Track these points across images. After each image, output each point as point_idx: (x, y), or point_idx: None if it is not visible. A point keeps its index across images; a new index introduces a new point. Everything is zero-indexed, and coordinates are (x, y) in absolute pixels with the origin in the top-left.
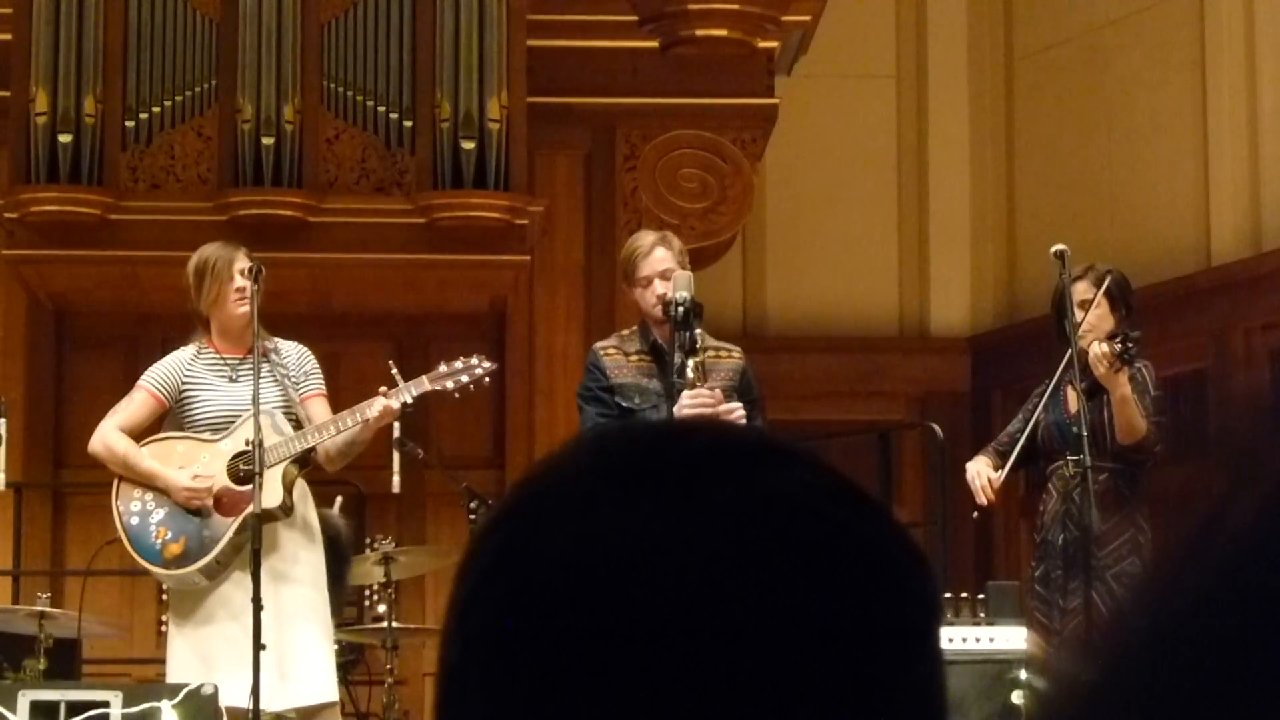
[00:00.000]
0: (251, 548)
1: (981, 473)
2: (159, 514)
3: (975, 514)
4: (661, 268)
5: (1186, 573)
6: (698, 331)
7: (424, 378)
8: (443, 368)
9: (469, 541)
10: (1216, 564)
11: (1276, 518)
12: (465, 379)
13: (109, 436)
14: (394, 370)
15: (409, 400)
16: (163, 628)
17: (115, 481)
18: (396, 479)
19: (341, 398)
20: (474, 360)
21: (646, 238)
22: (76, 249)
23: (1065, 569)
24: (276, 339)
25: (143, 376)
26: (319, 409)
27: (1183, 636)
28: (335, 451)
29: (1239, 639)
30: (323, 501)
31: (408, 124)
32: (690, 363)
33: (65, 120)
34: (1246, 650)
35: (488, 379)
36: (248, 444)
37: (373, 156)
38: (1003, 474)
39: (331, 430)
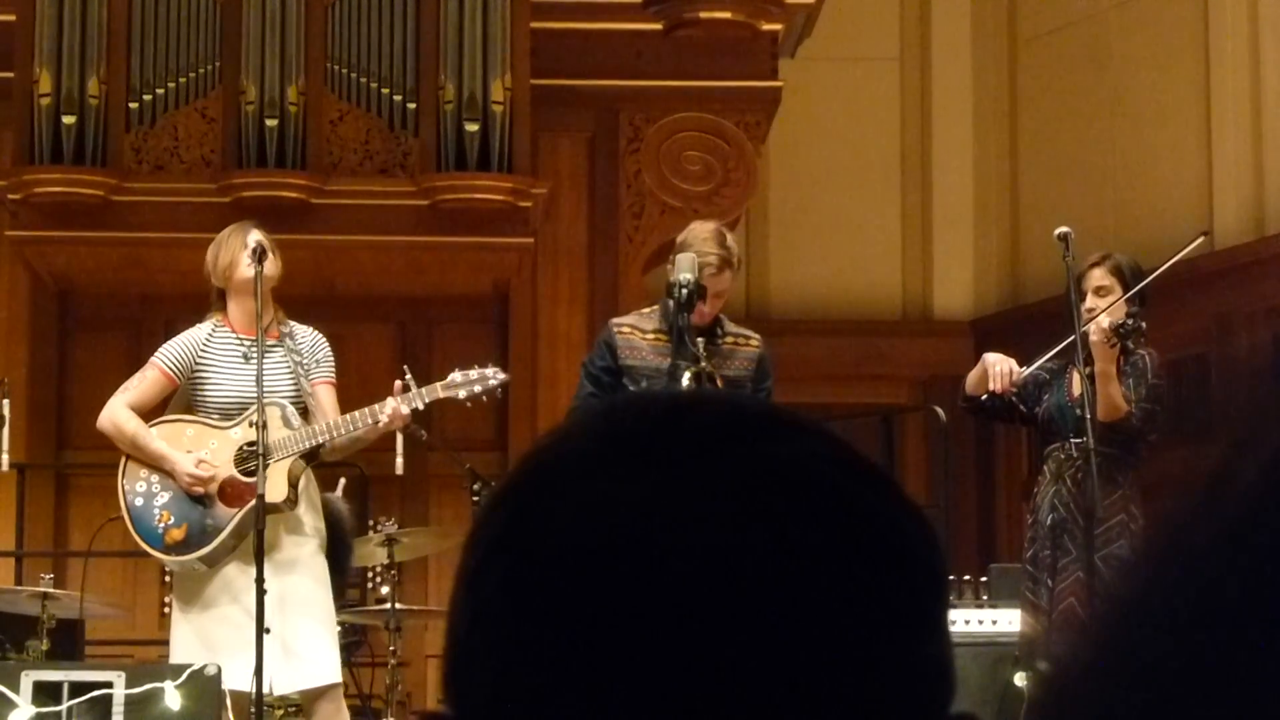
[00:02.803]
0: (255, 529)
1: (1006, 359)
2: (163, 497)
3: (984, 396)
4: (718, 288)
5: (1190, 536)
6: (720, 316)
7: (437, 385)
8: (456, 376)
9: (478, 511)
10: (1220, 527)
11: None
12: (479, 389)
13: (118, 415)
14: (407, 375)
15: (420, 407)
16: (165, 609)
17: (123, 459)
18: (400, 460)
19: (344, 380)
20: (488, 371)
21: (715, 255)
22: (80, 230)
23: (1054, 549)
24: (292, 323)
25: (156, 353)
26: (325, 396)
27: (1186, 600)
28: (339, 446)
29: (1243, 601)
30: (325, 484)
31: (411, 106)
32: (701, 343)
33: (69, 101)
34: (1251, 612)
35: (500, 390)
36: (252, 425)
37: (376, 138)
38: (1024, 373)
39: (341, 429)
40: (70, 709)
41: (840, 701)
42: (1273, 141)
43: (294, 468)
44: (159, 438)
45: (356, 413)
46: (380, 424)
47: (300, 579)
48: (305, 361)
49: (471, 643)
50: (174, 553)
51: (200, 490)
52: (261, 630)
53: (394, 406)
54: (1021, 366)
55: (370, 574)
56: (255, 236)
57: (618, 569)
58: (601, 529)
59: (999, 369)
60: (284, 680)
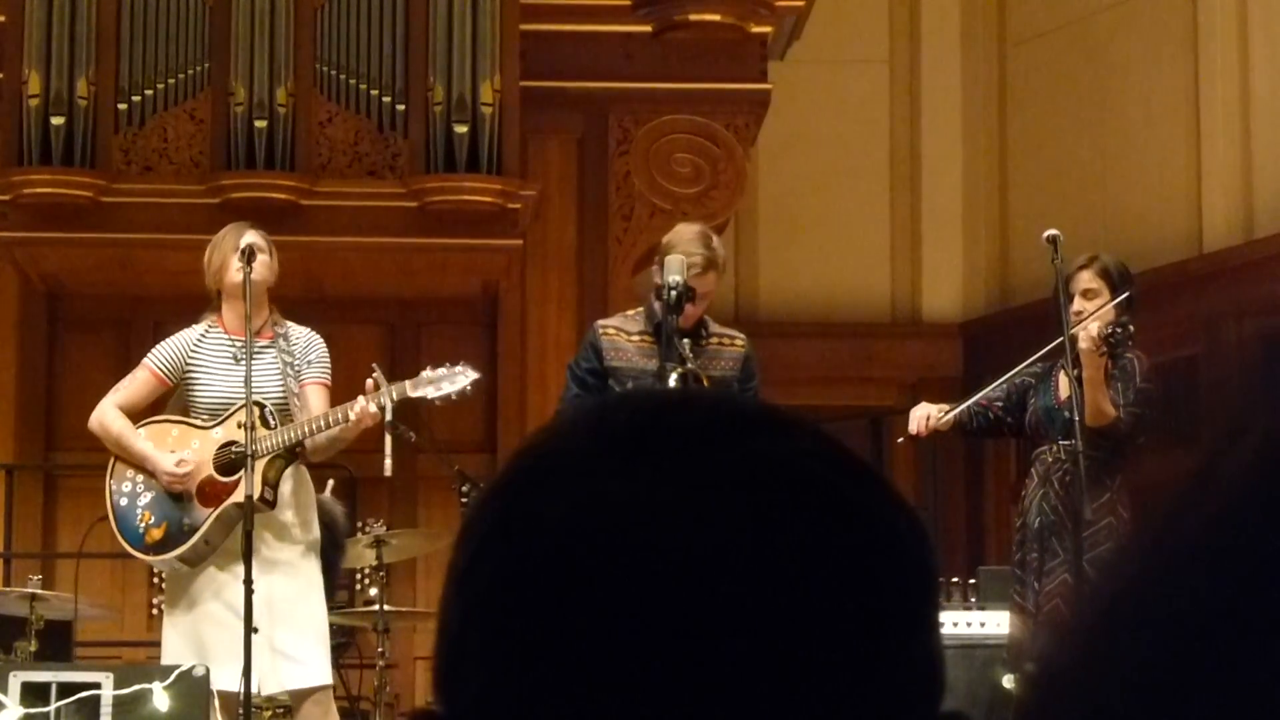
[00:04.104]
0: (244, 530)
1: (927, 406)
2: (146, 497)
3: (900, 439)
4: (703, 289)
5: (1176, 529)
6: (705, 317)
7: (406, 383)
8: (426, 373)
9: (469, 509)
10: (1206, 519)
11: (1268, 466)
12: (447, 387)
13: (106, 415)
14: (376, 373)
15: (387, 404)
16: (154, 610)
17: (111, 460)
18: (388, 462)
19: (333, 381)
20: (458, 368)
21: (700, 256)
22: (69, 231)
23: (1041, 552)
24: (289, 323)
25: (148, 354)
26: (313, 396)
27: (1174, 594)
28: (319, 446)
29: (1232, 594)
30: (315, 485)
31: (400, 107)
32: (687, 345)
33: (58, 102)
34: (1240, 605)
35: (470, 388)
36: (239, 426)
37: (365, 140)
38: (944, 418)
39: (314, 427)
40: (58, 710)
41: (831, 698)
42: (1262, 144)
43: (269, 467)
44: (145, 438)
45: (329, 411)
46: (350, 421)
47: (287, 580)
48: (296, 363)
49: (462, 641)
50: (154, 552)
51: (180, 488)
52: (250, 631)
53: (362, 405)
54: (946, 406)
55: (359, 575)
56: (248, 239)
57: (609, 566)
58: (593, 526)
59: (917, 414)
60: (272, 681)
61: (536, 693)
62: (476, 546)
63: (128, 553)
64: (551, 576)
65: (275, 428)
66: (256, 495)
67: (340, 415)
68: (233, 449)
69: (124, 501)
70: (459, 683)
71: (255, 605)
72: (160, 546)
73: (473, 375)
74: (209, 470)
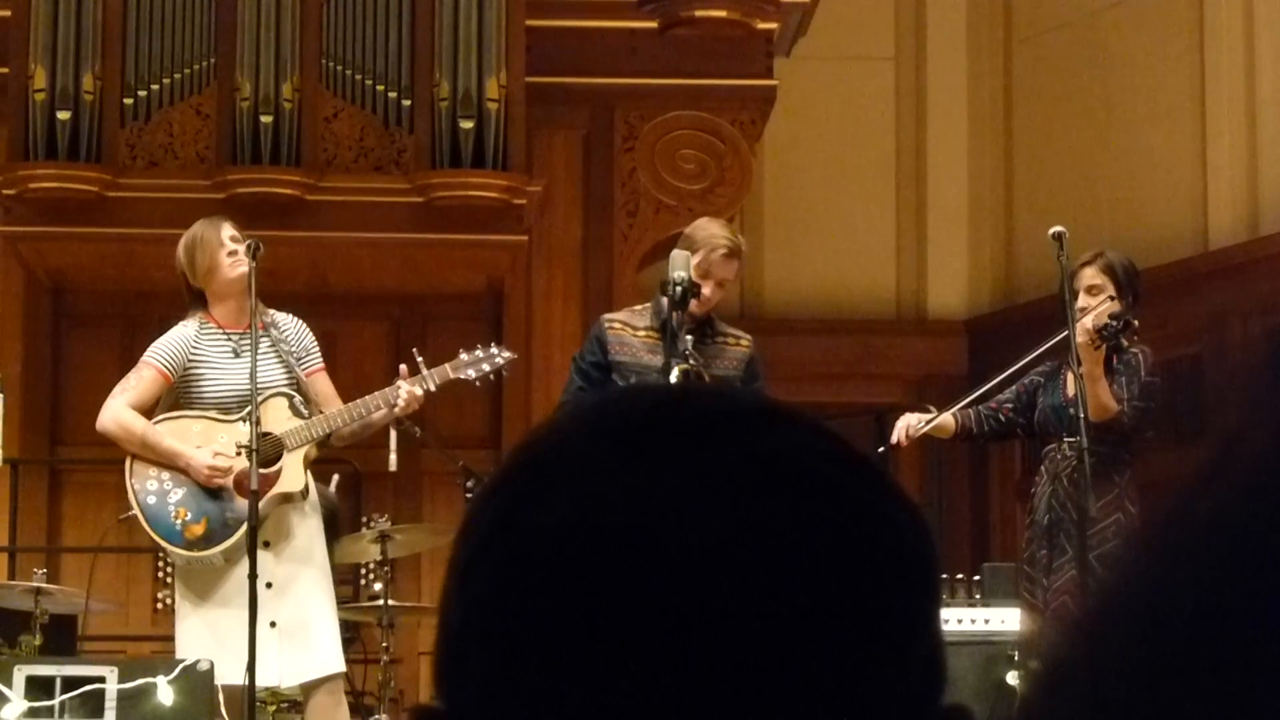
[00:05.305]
0: (249, 525)
1: (908, 416)
2: (177, 494)
3: (880, 449)
4: (724, 275)
5: (1184, 525)
6: (712, 316)
7: (446, 366)
8: (464, 356)
9: (470, 505)
10: (1215, 515)
11: (1276, 463)
12: (486, 368)
13: (122, 415)
14: (419, 359)
15: (433, 388)
16: (159, 605)
17: (128, 460)
18: (393, 457)
19: (339, 377)
20: (493, 349)
21: (726, 240)
22: (74, 226)
23: (1049, 548)
24: (272, 311)
25: (149, 352)
26: (324, 384)
27: (1181, 588)
28: (347, 434)
29: (1240, 588)
30: (319, 479)
31: (406, 103)
32: (690, 341)
33: (64, 97)
34: (1248, 600)
35: (506, 370)
36: (245, 419)
37: (371, 135)
38: (923, 427)
39: (353, 415)
40: (63, 704)
41: (833, 693)
42: (1267, 142)
43: (309, 455)
44: (167, 435)
45: (368, 398)
46: (397, 407)
47: (306, 570)
48: (295, 350)
49: (463, 638)
50: (196, 548)
51: (220, 482)
52: (255, 624)
53: (408, 389)
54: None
55: (363, 570)
56: (231, 232)
57: (609, 562)
58: (593, 522)
59: (900, 424)
60: (291, 674)
61: (537, 690)
62: (476, 544)
63: (133, 548)
64: (551, 574)
65: (309, 417)
66: (301, 486)
67: (383, 402)
68: (265, 442)
69: (152, 500)
70: (460, 680)
71: (272, 598)
72: (203, 542)
73: (508, 355)
74: (245, 463)
